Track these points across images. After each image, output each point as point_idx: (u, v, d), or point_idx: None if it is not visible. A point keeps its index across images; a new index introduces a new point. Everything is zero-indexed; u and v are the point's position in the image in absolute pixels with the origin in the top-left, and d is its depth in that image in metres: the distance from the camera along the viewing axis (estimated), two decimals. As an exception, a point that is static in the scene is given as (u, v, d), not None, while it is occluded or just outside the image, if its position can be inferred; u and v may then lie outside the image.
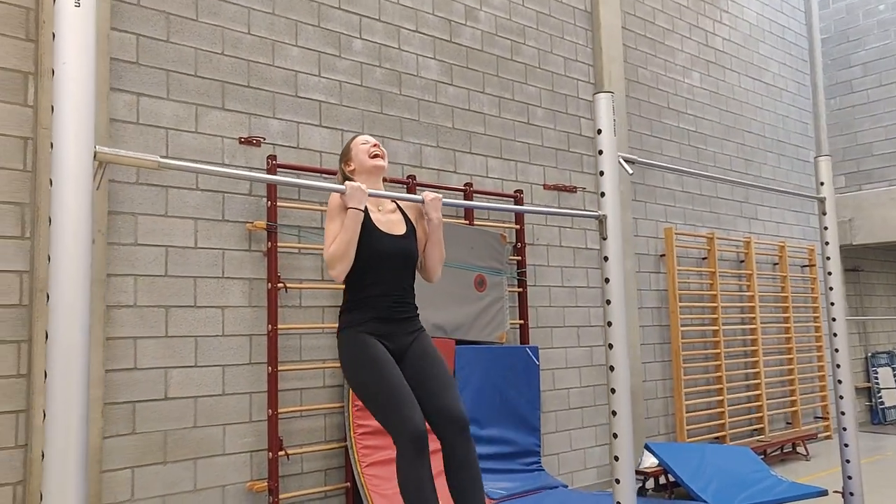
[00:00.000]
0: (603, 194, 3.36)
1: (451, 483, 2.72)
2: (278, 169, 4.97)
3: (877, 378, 10.81)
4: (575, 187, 6.82)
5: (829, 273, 4.84)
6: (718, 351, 7.92)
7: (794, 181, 9.99)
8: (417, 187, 5.68)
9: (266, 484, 4.74)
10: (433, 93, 6.01)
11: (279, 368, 4.88)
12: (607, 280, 3.29)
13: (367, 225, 2.84)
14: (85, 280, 1.76)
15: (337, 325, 3.00)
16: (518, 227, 6.30)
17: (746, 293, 8.55)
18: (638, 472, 6.64)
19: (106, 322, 4.25)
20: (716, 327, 7.96)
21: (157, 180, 4.57)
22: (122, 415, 4.33)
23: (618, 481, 3.01)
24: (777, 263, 8.91)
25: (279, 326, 4.91)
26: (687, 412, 7.52)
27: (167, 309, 4.56)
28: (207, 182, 4.78)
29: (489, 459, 5.64)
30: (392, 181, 5.60)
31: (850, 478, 4.67)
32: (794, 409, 8.92)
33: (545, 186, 6.68)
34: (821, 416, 9.44)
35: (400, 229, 2.97)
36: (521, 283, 6.27)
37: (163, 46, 4.66)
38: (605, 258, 3.32)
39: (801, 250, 9.61)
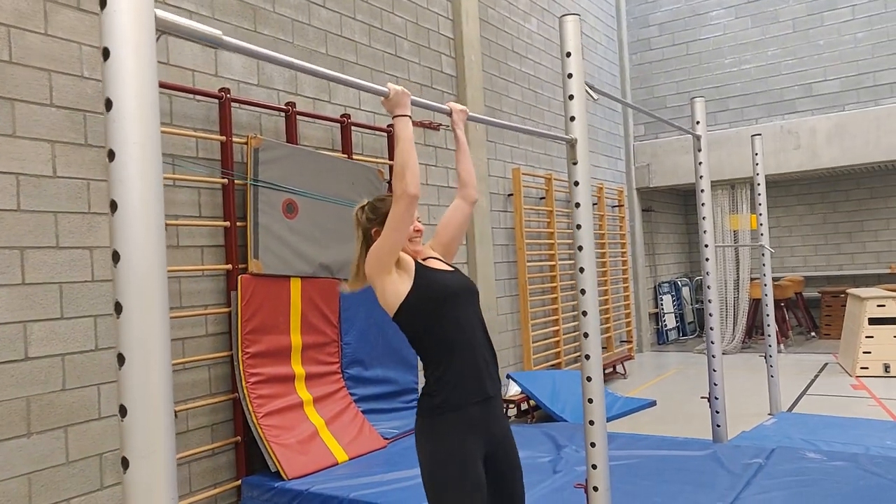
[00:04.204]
0: (573, 118, 3.31)
1: None
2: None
3: (661, 304, 12.20)
4: (439, 124, 6.71)
5: (703, 204, 5.28)
6: (555, 285, 8.40)
7: (606, 128, 10.77)
8: (297, 115, 5.22)
9: (151, 447, 4.16)
10: (306, 13, 5.50)
11: (160, 317, 4.27)
12: (578, 205, 3.26)
13: (420, 268, 2.45)
14: (157, 183, 1.36)
15: (419, 407, 2.42)
16: (392, 163, 6.05)
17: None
18: (503, 400, 6.89)
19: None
20: (553, 262, 8.41)
21: (1, 91, 3.70)
22: (-30, 381, 3.53)
23: (592, 423, 3.04)
24: (596, 203, 9.58)
25: (157, 269, 4.27)
26: (531, 342, 7.91)
27: (22, 251, 3.75)
28: (64, 97, 3.97)
29: (375, 400, 5.50)
30: (268, 107, 5.09)
31: (715, 385, 5.23)
32: (608, 335, 9.78)
33: (413, 123, 6.47)
34: (626, 339, 10.46)
35: (446, 266, 2.60)
36: (397, 220, 6.08)
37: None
38: (576, 183, 3.29)
39: (612, 191, 10.45)
